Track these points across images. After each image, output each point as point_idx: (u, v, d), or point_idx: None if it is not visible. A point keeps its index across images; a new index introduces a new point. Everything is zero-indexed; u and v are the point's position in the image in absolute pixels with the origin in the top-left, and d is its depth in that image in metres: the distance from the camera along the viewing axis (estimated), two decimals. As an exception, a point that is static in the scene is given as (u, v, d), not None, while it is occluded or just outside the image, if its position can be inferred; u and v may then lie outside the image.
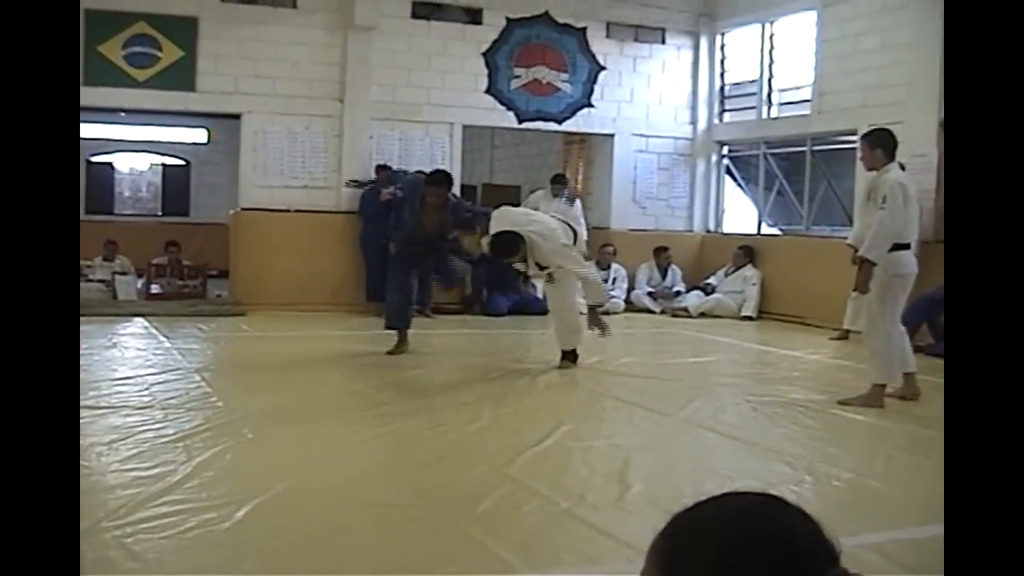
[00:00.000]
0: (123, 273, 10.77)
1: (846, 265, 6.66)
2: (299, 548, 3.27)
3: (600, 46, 11.62)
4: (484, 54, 11.13)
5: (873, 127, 6.41)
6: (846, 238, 6.96)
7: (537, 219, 7.02)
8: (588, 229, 10.60)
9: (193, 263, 11.19)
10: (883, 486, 4.23)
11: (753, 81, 11.66)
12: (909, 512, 3.96)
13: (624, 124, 11.85)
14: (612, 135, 11.87)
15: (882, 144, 5.96)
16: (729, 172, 12.46)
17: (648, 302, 11.44)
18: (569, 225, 7.19)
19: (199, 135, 16.33)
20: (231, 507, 3.58)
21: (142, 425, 4.88)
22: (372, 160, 10.53)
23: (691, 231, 12.28)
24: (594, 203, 12.17)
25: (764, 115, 11.51)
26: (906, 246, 5.92)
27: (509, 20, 11.19)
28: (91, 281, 10.30)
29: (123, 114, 13.72)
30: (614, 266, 11.46)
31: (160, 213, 16.64)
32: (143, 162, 16.73)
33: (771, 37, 11.38)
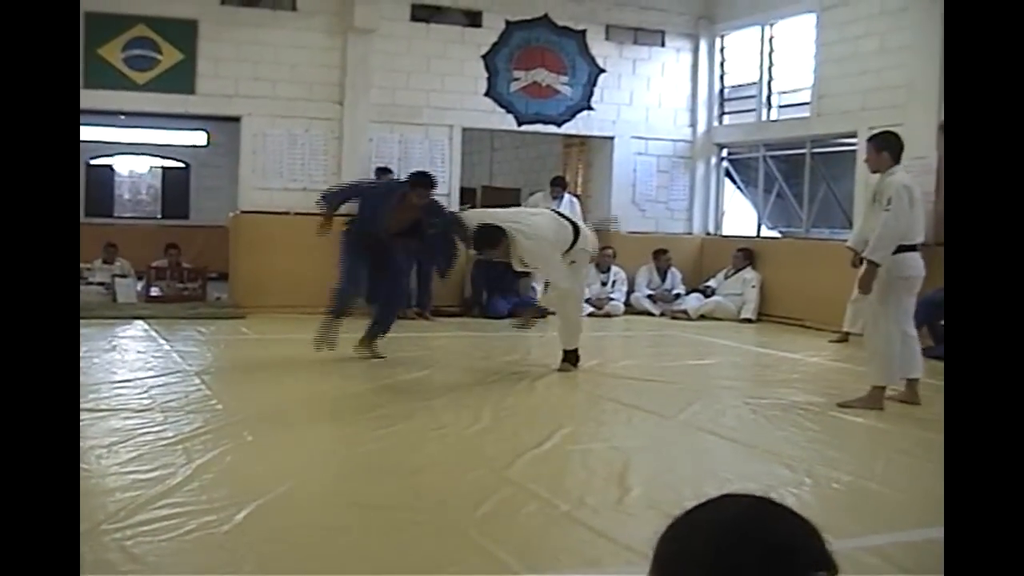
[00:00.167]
0: (123, 276, 10.76)
1: (846, 268, 6.67)
2: (299, 550, 3.27)
3: (599, 49, 11.63)
4: (483, 57, 11.13)
5: (878, 130, 6.40)
6: (846, 240, 6.95)
7: (525, 220, 6.93)
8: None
9: (193, 266, 11.17)
10: (883, 489, 4.23)
11: (752, 84, 11.65)
12: (909, 515, 3.96)
13: (623, 126, 11.85)
14: (611, 138, 11.87)
15: (888, 147, 5.96)
16: (728, 174, 12.45)
17: (648, 305, 11.43)
18: (574, 224, 7.12)
19: (199, 138, 16.34)
20: (231, 509, 3.58)
21: (142, 428, 4.88)
22: (372, 163, 10.54)
23: (691, 234, 12.28)
24: (594, 206, 12.16)
25: (763, 118, 11.50)
26: (912, 248, 5.91)
27: (508, 23, 11.19)
28: (91, 284, 10.29)
29: (123, 117, 13.73)
30: (613, 269, 11.45)
31: (160, 216, 16.65)
32: (143, 165, 16.75)
33: (770, 40, 11.37)
